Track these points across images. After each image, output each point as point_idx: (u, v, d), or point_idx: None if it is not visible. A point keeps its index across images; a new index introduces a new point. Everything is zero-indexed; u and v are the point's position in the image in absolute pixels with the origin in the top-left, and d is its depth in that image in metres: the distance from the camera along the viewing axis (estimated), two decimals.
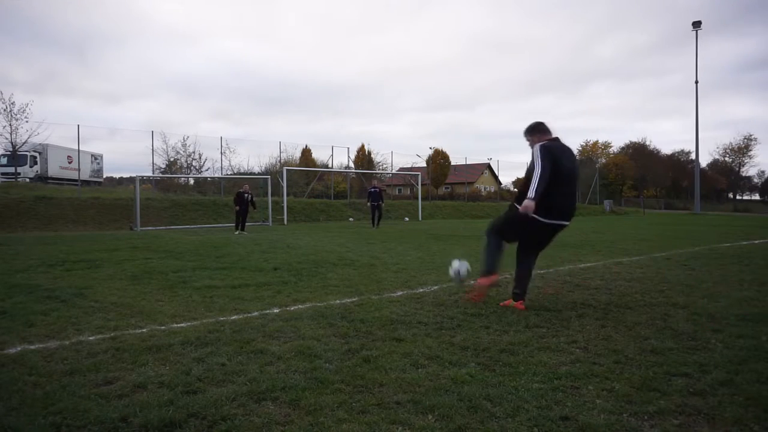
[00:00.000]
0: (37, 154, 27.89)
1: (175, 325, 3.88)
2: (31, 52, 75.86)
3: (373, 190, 18.64)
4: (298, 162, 36.62)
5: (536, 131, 4.53)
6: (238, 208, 15.60)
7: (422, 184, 31.49)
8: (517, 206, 4.33)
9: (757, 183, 76.01)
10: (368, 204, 18.75)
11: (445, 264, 7.45)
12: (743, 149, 67.97)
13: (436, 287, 5.57)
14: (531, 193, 4.13)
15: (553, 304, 4.61)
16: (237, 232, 15.05)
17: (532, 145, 4.47)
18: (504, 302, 4.55)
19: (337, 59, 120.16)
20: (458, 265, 4.78)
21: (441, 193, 44.67)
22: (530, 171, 4.28)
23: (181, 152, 29.67)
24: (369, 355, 3.12)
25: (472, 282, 4.92)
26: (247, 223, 16.04)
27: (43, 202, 18.77)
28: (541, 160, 4.19)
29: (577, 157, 4.53)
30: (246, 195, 15.63)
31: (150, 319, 4.10)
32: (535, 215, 4.19)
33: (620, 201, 49.84)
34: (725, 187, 71.36)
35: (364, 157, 39.55)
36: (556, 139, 4.49)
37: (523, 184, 4.52)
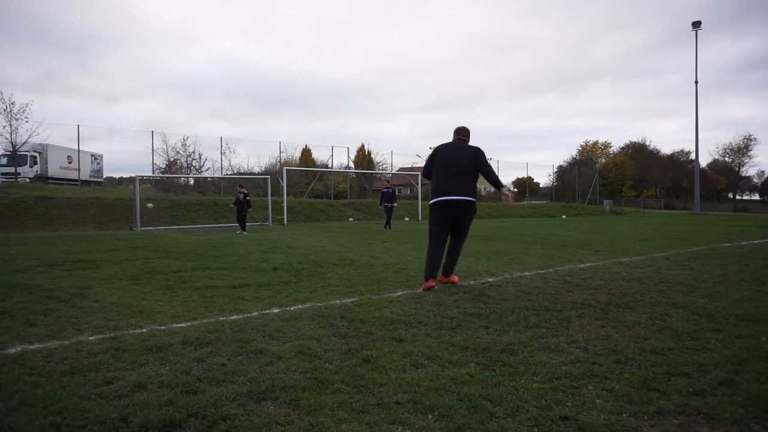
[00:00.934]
0: (37, 154, 27.89)
1: (175, 325, 3.88)
2: (30, 52, 75.86)
3: (386, 190, 18.11)
4: (298, 162, 36.65)
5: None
6: (234, 206, 15.66)
7: (422, 184, 31.49)
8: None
9: (757, 183, 76.00)
10: (381, 206, 18.17)
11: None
12: (743, 149, 67.94)
13: (436, 287, 5.57)
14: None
15: (553, 304, 4.62)
16: (238, 232, 15.03)
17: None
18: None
19: (337, 59, 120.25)
20: None
21: None
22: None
23: (181, 152, 29.67)
24: (369, 355, 3.12)
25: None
26: (246, 223, 16.03)
27: (43, 202, 18.77)
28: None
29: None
30: (240, 195, 15.63)
31: (150, 319, 4.10)
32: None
33: (620, 201, 49.87)
34: (725, 187, 71.32)
35: (364, 157, 39.59)
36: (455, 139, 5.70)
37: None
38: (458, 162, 5.39)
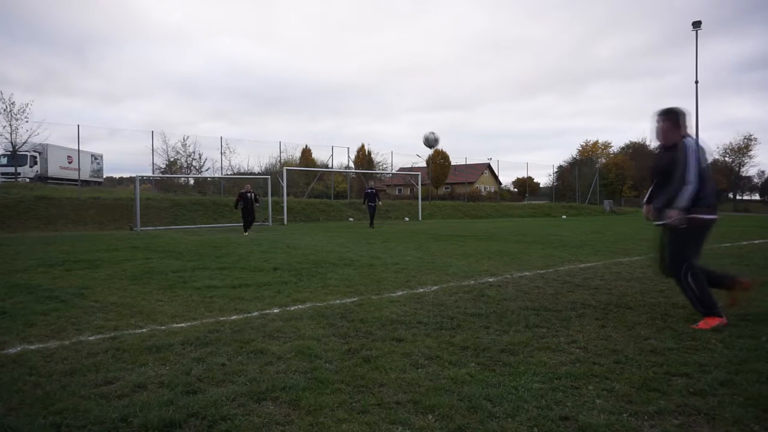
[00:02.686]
0: (37, 154, 27.88)
1: (175, 325, 3.88)
2: (30, 52, 75.93)
3: (369, 190, 19.37)
4: (298, 162, 36.63)
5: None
6: (242, 206, 15.40)
7: (422, 184, 31.50)
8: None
9: (757, 183, 75.89)
10: (364, 205, 19.67)
11: (445, 264, 7.46)
12: (743, 149, 67.90)
13: (436, 287, 5.57)
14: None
15: (553, 304, 4.62)
16: (246, 233, 14.86)
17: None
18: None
19: (337, 59, 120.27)
20: (428, 134, 4.93)
21: (441, 193, 44.69)
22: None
23: (181, 152, 29.69)
24: (369, 355, 3.12)
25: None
26: (251, 224, 15.95)
27: (43, 202, 18.77)
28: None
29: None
30: (249, 194, 15.45)
31: (150, 319, 4.10)
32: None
33: (620, 201, 49.82)
34: (725, 187, 71.23)
35: (364, 157, 39.54)
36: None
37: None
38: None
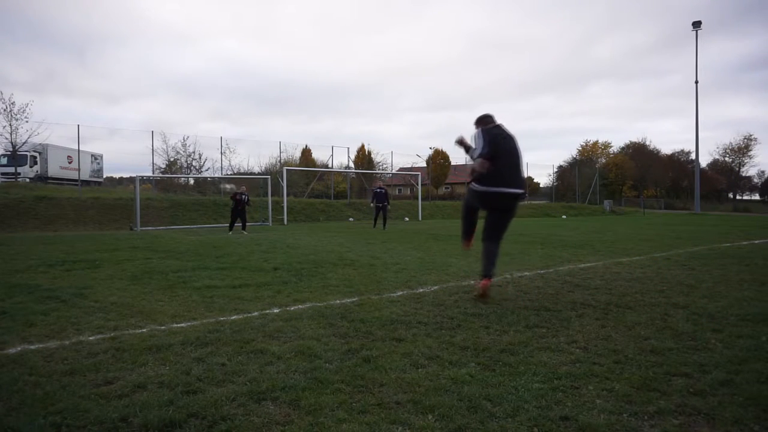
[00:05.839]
0: (37, 154, 27.90)
1: (175, 325, 3.88)
2: (30, 52, 75.92)
3: (378, 190, 18.28)
4: (298, 162, 36.62)
5: (481, 122, 5.12)
6: (232, 207, 15.52)
7: (422, 184, 31.49)
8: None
9: (757, 183, 75.85)
10: (371, 204, 18.45)
11: (445, 264, 7.46)
12: (743, 149, 67.97)
13: (436, 287, 5.58)
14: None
15: (553, 304, 4.62)
16: (245, 233, 14.92)
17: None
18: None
19: (337, 59, 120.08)
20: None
21: (441, 193, 44.70)
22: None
23: (181, 152, 29.68)
24: (369, 355, 3.12)
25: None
26: (247, 223, 16.00)
27: (43, 202, 18.77)
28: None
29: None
30: (242, 196, 15.55)
31: (150, 319, 4.10)
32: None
33: (620, 201, 49.83)
34: (725, 187, 71.26)
35: (364, 157, 39.54)
36: (498, 126, 5.07)
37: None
38: (518, 153, 4.99)
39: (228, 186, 16.06)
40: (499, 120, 5.15)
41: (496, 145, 4.78)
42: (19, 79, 64.21)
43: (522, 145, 5.10)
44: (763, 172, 74.71)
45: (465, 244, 5.46)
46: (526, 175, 5.32)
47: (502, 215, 5.07)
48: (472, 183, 5.02)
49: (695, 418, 2.28)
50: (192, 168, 30.38)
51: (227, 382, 2.68)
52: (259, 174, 28.90)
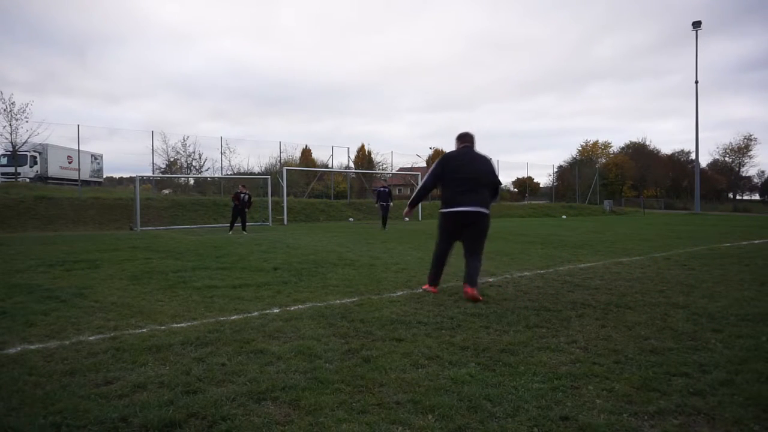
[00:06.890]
0: (37, 154, 27.88)
1: (175, 325, 3.88)
2: (30, 52, 75.77)
3: (382, 189, 18.21)
4: (298, 162, 36.65)
5: (458, 139, 5.37)
6: (233, 206, 15.47)
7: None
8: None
9: (757, 183, 75.78)
10: (377, 204, 18.31)
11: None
12: (743, 149, 67.89)
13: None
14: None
15: (553, 304, 4.62)
16: (245, 233, 14.90)
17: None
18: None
19: (337, 59, 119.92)
20: None
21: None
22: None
23: (181, 152, 29.66)
24: (369, 355, 3.12)
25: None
26: (247, 223, 15.99)
27: (43, 202, 18.77)
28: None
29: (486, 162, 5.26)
30: (242, 194, 15.49)
31: (150, 319, 4.10)
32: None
33: (620, 201, 49.81)
34: (725, 187, 71.23)
35: (364, 157, 39.59)
36: (466, 149, 5.27)
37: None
38: (476, 173, 5.09)
39: (240, 187, 16.00)
40: (476, 143, 5.34)
41: (442, 174, 5.18)
42: (19, 79, 64.16)
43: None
44: (763, 172, 74.66)
45: (431, 288, 5.29)
46: (498, 191, 5.26)
47: (472, 231, 5.09)
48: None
49: (695, 418, 2.28)
50: (192, 168, 30.39)
51: (227, 382, 2.68)
52: (259, 174, 28.90)
